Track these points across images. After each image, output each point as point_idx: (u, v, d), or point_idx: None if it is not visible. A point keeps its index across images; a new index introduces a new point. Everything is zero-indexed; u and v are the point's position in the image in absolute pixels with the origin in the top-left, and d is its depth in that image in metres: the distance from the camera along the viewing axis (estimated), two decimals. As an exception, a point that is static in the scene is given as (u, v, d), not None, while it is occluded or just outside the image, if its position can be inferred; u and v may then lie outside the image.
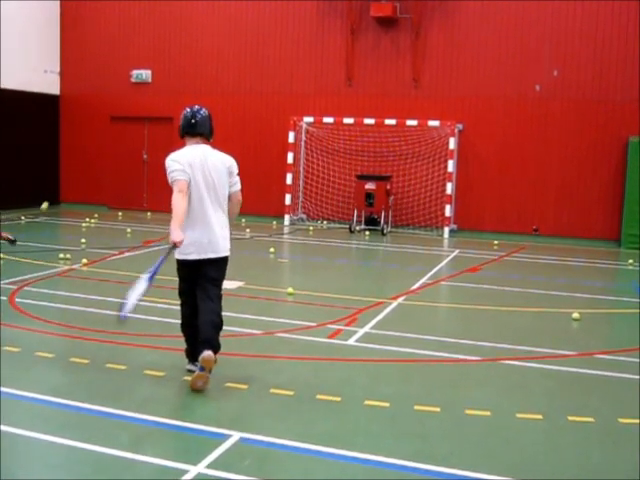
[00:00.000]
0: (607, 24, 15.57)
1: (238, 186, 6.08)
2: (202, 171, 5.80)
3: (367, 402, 5.58)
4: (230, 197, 6.02)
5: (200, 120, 5.94)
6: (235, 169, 6.02)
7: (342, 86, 17.41)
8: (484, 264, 12.58)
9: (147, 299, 8.57)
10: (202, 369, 5.65)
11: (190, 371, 6.02)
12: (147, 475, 4.30)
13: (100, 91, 19.48)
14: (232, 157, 6.04)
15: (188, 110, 5.99)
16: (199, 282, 5.89)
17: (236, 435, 4.83)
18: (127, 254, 12.28)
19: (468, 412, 5.45)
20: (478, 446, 4.86)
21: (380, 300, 9.23)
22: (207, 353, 5.63)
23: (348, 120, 16.90)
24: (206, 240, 5.81)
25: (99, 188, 19.69)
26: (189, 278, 5.97)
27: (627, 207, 15.22)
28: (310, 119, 17.32)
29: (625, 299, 10.12)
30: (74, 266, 10.83)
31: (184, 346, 6.11)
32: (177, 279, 6.08)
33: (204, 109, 6.03)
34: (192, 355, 6.06)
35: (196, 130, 5.94)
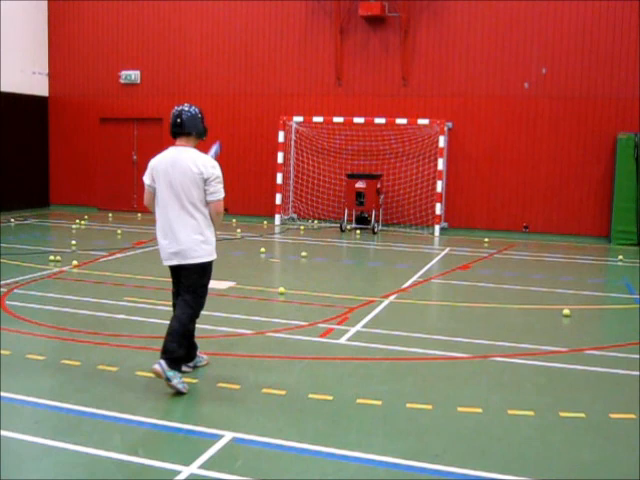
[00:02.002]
0: (595, 22, 15.63)
1: (216, 196, 5.71)
2: (165, 175, 5.68)
3: (359, 401, 5.59)
4: (209, 206, 5.76)
5: (186, 119, 5.77)
6: (211, 175, 5.67)
7: (331, 85, 17.41)
8: (475, 262, 12.61)
9: (139, 300, 8.57)
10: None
11: (183, 372, 6.02)
12: (139, 476, 4.29)
13: (89, 92, 19.42)
14: (215, 163, 5.78)
15: (175, 109, 5.84)
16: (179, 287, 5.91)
17: (228, 435, 4.83)
18: (118, 255, 12.25)
19: (460, 409, 5.47)
20: (470, 443, 4.88)
21: (371, 299, 9.24)
22: (153, 366, 5.57)
23: (338, 119, 16.90)
24: (172, 246, 5.72)
25: (89, 190, 19.63)
26: (175, 282, 5.99)
27: (616, 204, 15.28)
28: (300, 119, 17.31)
29: (615, 295, 10.17)
30: (64, 268, 10.79)
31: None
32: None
33: (193, 107, 5.87)
34: (184, 356, 6.08)
35: (182, 130, 5.78)
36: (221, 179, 5.75)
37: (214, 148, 6.25)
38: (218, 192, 5.73)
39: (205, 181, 5.66)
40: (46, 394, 5.56)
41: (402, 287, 10.13)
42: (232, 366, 6.42)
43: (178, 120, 5.78)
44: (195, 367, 6.19)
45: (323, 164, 17.46)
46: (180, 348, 5.67)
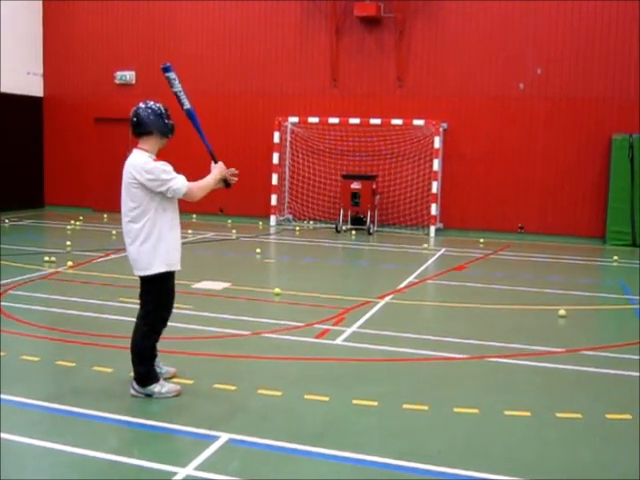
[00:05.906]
0: (590, 22, 15.66)
1: (175, 193, 5.29)
2: (122, 183, 5.44)
3: (355, 401, 5.57)
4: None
5: (144, 117, 5.36)
6: (146, 181, 5.23)
7: (327, 86, 17.41)
8: (470, 262, 12.62)
9: (133, 301, 8.55)
10: None
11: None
12: (135, 478, 4.27)
13: (84, 93, 19.37)
14: (153, 165, 5.26)
15: (132, 109, 5.41)
16: None
17: (224, 436, 4.81)
18: (113, 256, 12.21)
19: (456, 410, 5.46)
20: (467, 444, 4.87)
21: (367, 299, 9.23)
22: (130, 392, 5.52)
23: (333, 120, 16.90)
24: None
25: (84, 190, 19.58)
26: None
27: (611, 204, 15.31)
28: (295, 119, 17.30)
29: (611, 295, 10.17)
30: (59, 269, 10.76)
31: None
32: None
33: (154, 103, 5.46)
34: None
35: (139, 130, 5.39)
36: (159, 177, 5.24)
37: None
38: (171, 189, 5.29)
39: (150, 186, 5.27)
40: (41, 395, 5.53)
41: (398, 288, 10.12)
42: (228, 367, 6.40)
43: (134, 119, 5.38)
44: None
45: (318, 165, 17.44)
46: (140, 366, 5.49)
